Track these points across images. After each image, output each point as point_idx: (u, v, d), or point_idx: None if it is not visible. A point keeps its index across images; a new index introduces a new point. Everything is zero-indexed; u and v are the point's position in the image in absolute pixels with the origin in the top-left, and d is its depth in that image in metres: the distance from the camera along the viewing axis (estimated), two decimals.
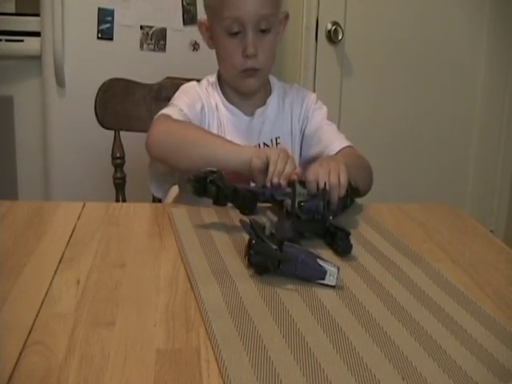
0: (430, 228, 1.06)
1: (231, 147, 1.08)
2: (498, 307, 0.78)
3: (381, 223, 1.05)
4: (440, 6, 2.34)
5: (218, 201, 0.97)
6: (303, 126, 1.29)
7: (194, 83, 1.27)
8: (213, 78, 1.27)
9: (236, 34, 1.17)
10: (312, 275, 0.80)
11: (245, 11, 1.14)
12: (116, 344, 0.65)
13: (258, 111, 1.25)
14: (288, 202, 0.95)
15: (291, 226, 0.92)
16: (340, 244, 0.90)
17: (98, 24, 1.93)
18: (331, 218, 0.94)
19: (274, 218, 0.82)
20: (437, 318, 0.73)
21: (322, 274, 0.79)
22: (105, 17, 1.93)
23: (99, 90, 1.48)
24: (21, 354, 0.63)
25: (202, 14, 1.95)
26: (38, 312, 0.71)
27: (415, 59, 2.36)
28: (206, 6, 1.23)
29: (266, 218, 0.82)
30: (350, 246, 0.90)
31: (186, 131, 1.13)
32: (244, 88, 1.23)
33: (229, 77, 1.24)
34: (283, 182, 0.98)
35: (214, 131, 1.21)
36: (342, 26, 2.25)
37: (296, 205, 0.93)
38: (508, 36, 2.39)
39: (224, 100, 1.25)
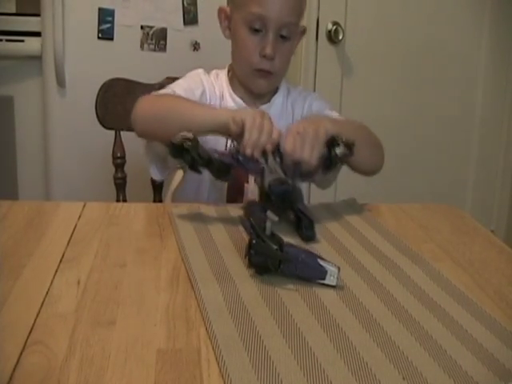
0: (431, 228, 1.06)
1: (208, 111, 1.07)
2: (499, 307, 0.78)
3: (381, 223, 1.05)
4: (441, 5, 2.34)
5: (193, 168, 0.98)
6: None
7: (199, 70, 1.28)
8: (224, 70, 1.28)
9: (257, 31, 1.17)
10: (312, 275, 0.80)
11: (272, 12, 1.15)
12: (116, 344, 0.65)
13: (262, 107, 1.25)
14: (259, 179, 0.98)
15: (261, 206, 0.96)
16: (304, 231, 0.93)
17: (99, 24, 1.93)
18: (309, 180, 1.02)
19: (275, 218, 0.82)
20: (437, 317, 0.73)
21: (323, 273, 0.79)
22: (105, 17, 1.93)
23: (100, 90, 1.48)
24: (21, 353, 0.63)
25: (202, 14, 1.96)
26: (39, 312, 0.71)
27: (416, 59, 2.36)
28: None
29: (267, 218, 0.82)
30: (313, 234, 0.94)
31: (165, 102, 1.13)
32: (254, 87, 1.24)
33: (241, 72, 1.24)
34: (256, 154, 0.97)
35: None
36: (343, 26, 2.25)
37: (266, 184, 0.96)
38: (509, 36, 2.39)
39: (231, 91, 1.26)
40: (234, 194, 1.22)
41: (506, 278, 0.87)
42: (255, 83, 1.23)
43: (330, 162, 1.02)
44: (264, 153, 0.97)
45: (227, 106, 1.24)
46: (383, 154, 1.21)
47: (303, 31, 1.28)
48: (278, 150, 0.99)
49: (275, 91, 1.29)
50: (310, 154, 0.98)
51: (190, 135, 0.96)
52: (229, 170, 1.00)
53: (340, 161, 1.03)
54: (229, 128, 1.00)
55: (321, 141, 1.00)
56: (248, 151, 0.97)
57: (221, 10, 1.26)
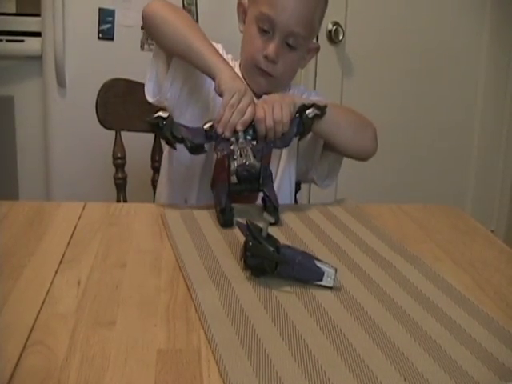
0: (431, 228, 1.06)
1: (208, 55, 1.10)
2: (499, 307, 0.78)
3: (379, 223, 1.05)
4: (441, 6, 2.34)
5: (169, 144, 1.05)
6: None
7: (220, 45, 1.28)
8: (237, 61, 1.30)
9: (265, 32, 1.18)
10: (309, 277, 0.80)
11: (280, 17, 1.16)
12: (117, 344, 0.65)
13: (265, 97, 1.26)
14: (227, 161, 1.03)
15: (226, 188, 1.02)
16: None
17: (99, 24, 1.93)
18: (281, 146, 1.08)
19: (272, 220, 0.82)
20: (435, 318, 0.73)
21: (320, 275, 0.79)
22: (105, 17, 1.93)
23: (100, 90, 1.48)
24: (21, 354, 0.63)
25: (202, 14, 1.96)
26: (39, 312, 0.71)
27: (416, 60, 2.36)
28: None
29: (263, 220, 0.81)
30: (276, 219, 0.98)
31: (181, 15, 1.17)
32: (253, 84, 1.24)
33: (244, 66, 1.26)
34: (227, 134, 1.02)
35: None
36: (343, 27, 2.25)
37: (234, 167, 1.00)
38: (509, 37, 2.39)
39: (240, 75, 1.26)
40: (222, 171, 1.22)
41: (506, 278, 0.87)
42: (255, 80, 1.23)
43: (302, 126, 1.08)
44: (235, 132, 1.02)
45: None
46: (374, 136, 1.22)
47: (316, 49, 1.29)
48: (251, 124, 1.04)
49: (277, 91, 1.29)
50: (280, 113, 1.03)
51: (165, 114, 1.02)
52: (202, 147, 1.05)
53: (312, 121, 1.09)
54: (216, 85, 1.06)
55: (288, 102, 1.06)
56: (219, 130, 1.03)
57: (239, 4, 1.27)
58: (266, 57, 1.18)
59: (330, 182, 1.27)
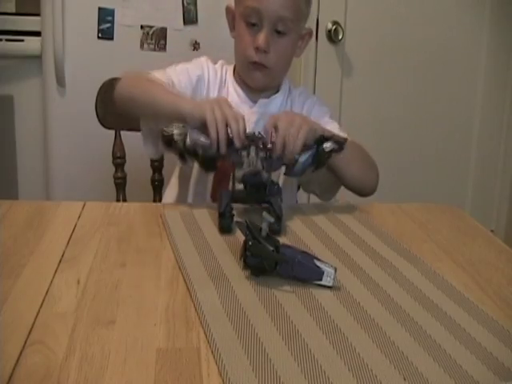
0: (431, 228, 1.06)
1: (173, 100, 1.08)
2: (499, 307, 0.78)
3: (379, 223, 1.05)
4: (441, 5, 2.34)
5: (181, 159, 1.04)
6: None
7: (203, 57, 1.29)
8: (231, 65, 1.29)
9: (253, 25, 1.18)
10: (309, 276, 0.80)
11: (266, 6, 1.16)
12: (116, 343, 0.65)
13: (261, 101, 1.26)
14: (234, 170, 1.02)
15: (230, 194, 0.99)
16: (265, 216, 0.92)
17: (99, 24, 1.93)
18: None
19: (271, 220, 0.82)
20: (435, 317, 0.73)
21: (319, 274, 0.79)
22: (105, 16, 1.93)
23: (100, 89, 1.48)
24: (21, 353, 0.63)
25: (202, 14, 1.96)
26: (39, 311, 0.71)
27: (416, 59, 2.36)
28: None
29: (263, 220, 0.81)
30: (279, 229, 0.95)
31: (141, 84, 1.16)
32: (250, 81, 1.24)
33: (239, 66, 1.26)
34: (223, 150, 0.99)
35: None
36: (343, 26, 2.25)
37: (241, 175, 0.99)
38: (509, 36, 2.39)
39: (233, 81, 1.27)
40: (223, 179, 1.22)
41: (505, 278, 0.87)
42: (251, 76, 1.23)
43: (318, 158, 1.03)
44: (246, 145, 1.00)
45: (228, 94, 1.26)
46: (377, 175, 1.20)
47: (309, 33, 1.28)
48: (263, 145, 1.01)
49: (277, 90, 1.29)
50: (296, 134, 1.00)
51: (180, 126, 1.01)
52: (214, 163, 1.03)
53: (328, 155, 1.03)
54: (188, 122, 1.02)
55: (307, 127, 1.02)
56: (214, 147, 0.99)
57: (228, 10, 1.27)
58: (257, 48, 1.18)
59: (331, 196, 1.26)
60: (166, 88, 1.15)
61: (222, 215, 0.97)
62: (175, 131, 1.02)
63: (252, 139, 1.00)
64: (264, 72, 1.21)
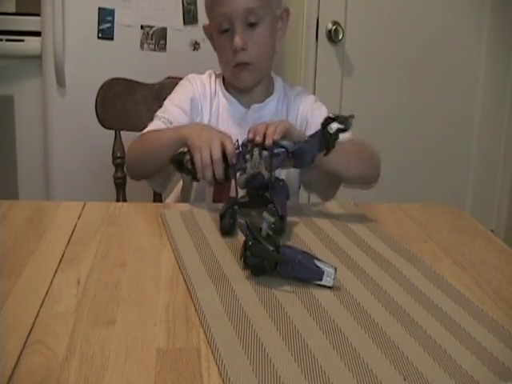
0: (431, 228, 1.06)
1: (170, 133, 1.12)
2: (499, 307, 0.78)
3: (379, 223, 1.05)
4: (440, 5, 2.34)
5: (194, 178, 1.05)
6: (303, 129, 1.28)
7: (189, 75, 1.30)
8: (219, 74, 1.29)
9: (226, 30, 1.18)
10: (309, 276, 0.80)
11: (231, 7, 1.16)
12: (116, 343, 0.65)
13: (254, 106, 1.25)
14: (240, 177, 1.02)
15: (235, 201, 1.00)
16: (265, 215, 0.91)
17: (99, 24, 1.93)
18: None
19: (271, 219, 0.82)
20: (435, 317, 0.73)
21: (319, 274, 0.79)
22: (105, 16, 1.93)
23: (100, 89, 1.48)
24: (21, 353, 0.63)
25: (202, 14, 1.96)
26: (39, 311, 0.71)
27: (415, 59, 2.36)
28: (206, 8, 1.24)
29: (263, 219, 0.81)
30: (282, 229, 0.94)
31: (145, 142, 1.18)
32: (239, 82, 1.24)
33: (226, 74, 1.26)
34: (217, 175, 1.01)
35: (207, 116, 1.25)
36: (343, 26, 2.25)
37: (243, 180, 1.00)
38: (508, 36, 2.39)
39: (223, 89, 1.27)
40: (220, 194, 1.22)
41: (505, 278, 0.87)
42: (239, 78, 1.23)
43: (325, 141, 1.00)
44: (251, 150, 1.00)
45: (219, 104, 1.26)
46: (378, 166, 1.19)
47: (286, 12, 1.25)
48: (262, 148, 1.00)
49: (271, 93, 1.28)
50: (272, 128, 1.00)
51: (187, 150, 1.04)
52: (224, 175, 1.03)
53: (335, 136, 1.00)
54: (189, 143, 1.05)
55: (285, 123, 1.03)
56: (207, 177, 1.01)
57: (205, 28, 1.28)
58: (235, 50, 1.17)
59: (332, 194, 1.26)
60: (161, 129, 1.19)
61: (221, 217, 0.97)
62: (184, 155, 1.05)
63: (244, 144, 1.02)
64: (249, 69, 1.20)
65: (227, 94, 1.26)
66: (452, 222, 1.11)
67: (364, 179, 1.19)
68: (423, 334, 0.69)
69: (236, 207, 0.99)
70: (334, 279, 0.79)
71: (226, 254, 0.89)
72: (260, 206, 1.00)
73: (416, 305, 0.76)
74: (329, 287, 0.79)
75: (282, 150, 1.00)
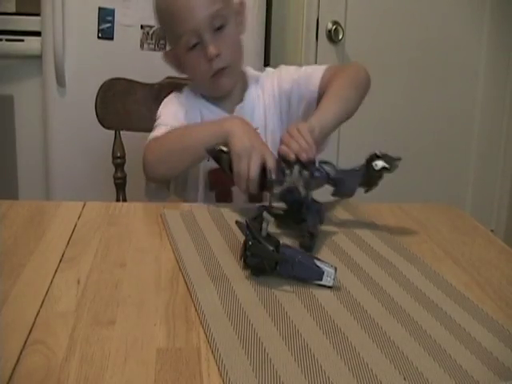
0: (431, 227, 1.06)
1: (206, 128, 1.10)
2: (499, 307, 0.78)
3: (379, 223, 1.05)
4: (441, 5, 2.34)
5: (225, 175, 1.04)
6: (281, 96, 1.28)
7: (172, 94, 1.29)
8: (192, 90, 1.29)
9: (195, 45, 1.17)
10: (309, 276, 0.80)
11: (195, 19, 1.15)
12: (116, 343, 0.65)
13: (237, 108, 1.25)
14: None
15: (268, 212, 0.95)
16: (301, 240, 0.91)
17: (99, 24, 1.93)
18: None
19: (271, 219, 0.82)
20: (435, 317, 0.73)
21: (319, 274, 0.79)
22: (105, 16, 1.93)
23: (100, 89, 1.48)
24: (21, 353, 0.63)
25: None
26: (39, 311, 0.71)
27: (416, 59, 2.36)
28: (165, 34, 1.25)
29: (263, 219, 0.81)
30: (310, 246, 0.90)
31: (170, 139, 1.14)
32: (219, 90, 1.23)
33: (203, 87, 1.25)
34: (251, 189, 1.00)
35: None
36: (343, 26, 2.25)
37: (278, 193, 0.98)
38: (509, 36, 2.39)
39: (203, 101, 1.27)
40: (222, 197, 1.23)
41: (505, 278, 0.87)
42: (219, 86, 1.22)
43: (368, 176, 0.99)
44: (291, 166, 0.97)
45: (202, 115, 1.25)
46: (367, 82, 1.26)
47: (241, 5, 1.25)
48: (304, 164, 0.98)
49: (247, 87, 1.28)
50: (303, 143, 0.98)
51: (225, 148, 1.02)
52: (262, 188, 1.02)
53: (379, 175, 0.99)
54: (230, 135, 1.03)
55: (305, 131, 1.01)
56: (241, 188, 1.01)
57: (166, 55, 1.27)
58: (210, 60, 1.17)
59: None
60: (189, 126, 1.16)
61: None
62: (220, 153, 1.02)
63: (284, 159, 0.99)
64: (226, 73, 1.20)
65: (207, 103, 1.26)
66: (452, 221, 1.11)
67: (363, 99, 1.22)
68: (423, 334, 0.69)
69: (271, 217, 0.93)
70: (334, 279, 0.79)
71: (226, 253, 0.89)
72: (294, 221, 0.97)
73: (416, 305, 0.76)
74: (329, 287, 0.79)
75: (324, 173, 0.98)
